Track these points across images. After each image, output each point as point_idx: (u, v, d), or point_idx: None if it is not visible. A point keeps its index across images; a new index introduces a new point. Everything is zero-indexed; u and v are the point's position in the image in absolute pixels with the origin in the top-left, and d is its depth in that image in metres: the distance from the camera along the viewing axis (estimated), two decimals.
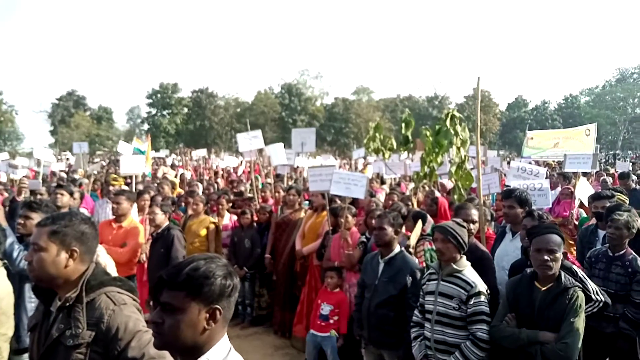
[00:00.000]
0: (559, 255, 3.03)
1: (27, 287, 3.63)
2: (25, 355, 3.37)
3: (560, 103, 68.70)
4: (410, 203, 6.39)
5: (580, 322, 2.94)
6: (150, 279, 5.69)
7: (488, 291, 3.37)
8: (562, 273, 3.08)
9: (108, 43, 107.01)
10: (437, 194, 6.38)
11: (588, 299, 3.11)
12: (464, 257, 3.44)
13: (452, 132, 6.40)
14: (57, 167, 15.24)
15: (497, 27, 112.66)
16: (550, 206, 6.21)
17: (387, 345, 3.96)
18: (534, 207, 4.64)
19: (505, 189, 5.71)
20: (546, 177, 6.48)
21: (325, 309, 4.97)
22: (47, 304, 2.18)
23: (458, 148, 6.46)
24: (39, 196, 7.28)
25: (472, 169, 6.93)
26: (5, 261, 3.28)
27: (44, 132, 56.81)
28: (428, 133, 6.63)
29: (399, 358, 3.86)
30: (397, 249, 4.05)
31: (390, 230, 4.03)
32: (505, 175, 9.07)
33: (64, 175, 13.49)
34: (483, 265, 3.75)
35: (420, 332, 3.53)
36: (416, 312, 3.61)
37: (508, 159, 22.73)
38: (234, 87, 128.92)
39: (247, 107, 58.29)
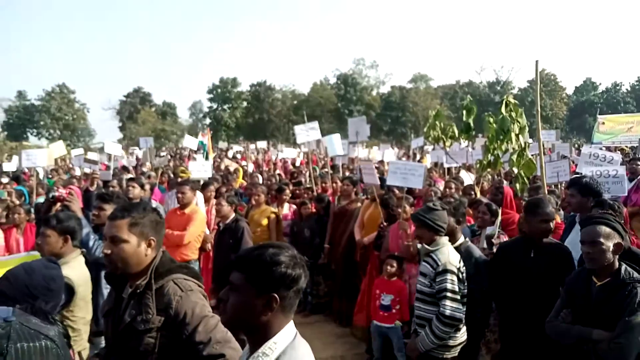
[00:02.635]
0: (606, 247, 2.78)
1: (103, 274, 3.86)
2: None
3: (634, 84, 64.09)
4: (473, 192, 6.22)
5: (638, 321, 2.67)
6: (215, 268, 5.88)
7: (461, 269, 3.54)
8: (624, 266, 2.82)
9: (171, 41, 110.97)
10: (505, 183, 6.17)
11: None
12: (442, 238, 3.64)
13: (509, 119, 6.15)
14: (127, 162, 16.08)
15: (562, 5, 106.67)
16: (627, 194, 5.82)
17: None
18: (608, 196, 4.39)
19: (572, 176, 5.45)
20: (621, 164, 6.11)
21: (386, 299, 4.92)
22: (118, 290, 2.29)
23: (517, 135, 6.21)
24: (110, 188, 7.69)
25: (533, 154, 6.65)
26: (84, 249, 3.49)
27: (113, 128, 59.61)
28: (491, 120, 6.39)
29: (463, 349, 3.78)
30: (460, 239, 3.96)
31: (451, 220, 3.95)
32: (574, 162, 8.64)
33: (131, 168, 14.18)
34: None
35: None
36: None
37: (576, 145, 21.62)
38: (290, 79, 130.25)
39: (304, 99, 58.65)
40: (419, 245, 3.74)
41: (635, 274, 2.81)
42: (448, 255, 3.54)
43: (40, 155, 9.33)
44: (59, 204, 4.93)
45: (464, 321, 3.56)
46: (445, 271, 3.46)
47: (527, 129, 6.39)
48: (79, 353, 3.07)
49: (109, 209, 4.01)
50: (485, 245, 4.32)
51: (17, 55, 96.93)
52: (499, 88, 60.37)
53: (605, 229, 2.83)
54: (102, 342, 3.63)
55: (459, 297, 3.47)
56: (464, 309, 3.54)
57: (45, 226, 3.25)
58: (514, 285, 3.67)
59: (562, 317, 3.00)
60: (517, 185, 6.16)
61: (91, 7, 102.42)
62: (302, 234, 6.79)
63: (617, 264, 2.84)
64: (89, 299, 3.22)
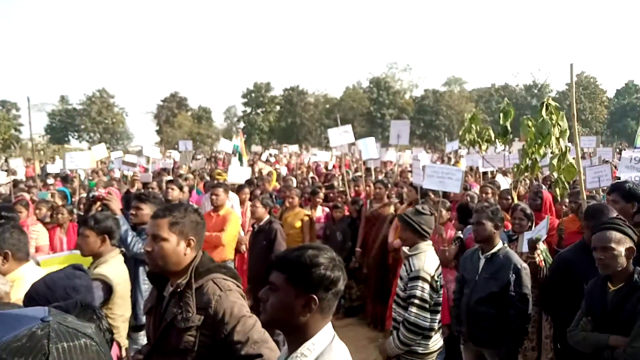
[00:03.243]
0: (618, 252, 2.78)
1: (142, 269, 3.97)
2: (143, 332, 3.69)
3: None
4: (509, 197, 6.09)
5: None
6: (250, 269, 5.94)
7: (435, 278, 3.50)
8: (638, 270, 2.81)
9: (206, 47, 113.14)
10: (544, 188, 6.01)
11: None
12: (424, 243, 3.62)
13: (549, 122, 5.98)
14: (164, 165, 16.44)
15: (602, 6, 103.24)
16: None
17: (487, 343, 3.79)
18: None
19: (613, 182, 5.27)
20: None
21: None
22: (160, 289, 2.33)
23: (557, 139, 6.02)
24: (149, 190, 7.88)
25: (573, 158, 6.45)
26: (122, 248, 3.59)
27: (151, 131, 60.95)
28: (530, 123, 6.24)
29: (500, 357, 3.70)
30: (499, 244, 3.86)
31: (489, 225, 3.84)
32: (616, 167, 8.35)
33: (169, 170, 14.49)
34: None
35: None
36: None
37: (618, 149, 20.87)
38: (323, 83, 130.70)
39: (336, 103, 58.62)
40: (404, 249, 3.72)
41: None
42: (424, 262, 3.53)
43: (83, 157, 9.64)
44: (99, 203, 5.10)
45: (435, 329, 3.53)
46: (417, 278, 3.46)
47: (567, 132, 6.20)
48: None
49: (145, 208, 4.14)
50: (525, 250, 4.21)
51: (60, 62, 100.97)
52: (536, 91, 58.90)
53: (616, 234, 2.83)
54: (140, 337, 3.75)
55: (427, 306, 3.44)
56: (435, 318, 3.53)
57: (84, 227, 3.32)
58: (579, 298, 3.45)
59: (581, 325, 2.98)
60: (557, 190, 5.98)
61: (130, 16, 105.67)
62: (334, 237, 6.78)
63: (631, 268, 2.84)
64: (127, 296, 3.29)
